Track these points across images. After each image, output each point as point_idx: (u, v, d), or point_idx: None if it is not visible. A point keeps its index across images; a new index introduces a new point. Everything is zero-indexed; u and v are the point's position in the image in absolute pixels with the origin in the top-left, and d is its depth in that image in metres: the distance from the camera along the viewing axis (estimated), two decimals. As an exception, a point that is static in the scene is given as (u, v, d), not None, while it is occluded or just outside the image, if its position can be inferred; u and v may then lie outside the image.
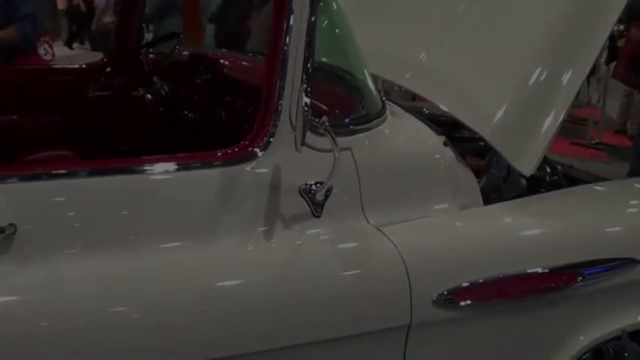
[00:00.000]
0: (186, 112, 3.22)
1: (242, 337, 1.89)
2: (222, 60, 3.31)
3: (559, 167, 2.92)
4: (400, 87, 2.88)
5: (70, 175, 1.83)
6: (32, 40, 4.68)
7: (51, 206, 1.81)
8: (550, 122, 2.42)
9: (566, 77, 2.49)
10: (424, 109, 2.86)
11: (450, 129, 2.50)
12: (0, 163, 1.90)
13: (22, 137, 2.59)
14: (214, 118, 2.95)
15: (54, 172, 1.82)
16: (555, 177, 2.85)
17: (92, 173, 1.85)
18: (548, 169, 2.86)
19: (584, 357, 2.43)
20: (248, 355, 1.90)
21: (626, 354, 2.49)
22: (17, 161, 2.05)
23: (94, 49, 12.26)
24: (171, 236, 1.89)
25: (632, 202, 2.68)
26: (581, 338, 2.38)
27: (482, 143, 2.55)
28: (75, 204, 1.82)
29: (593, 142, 8.83)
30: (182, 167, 1.95)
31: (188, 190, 1.94)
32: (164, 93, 3.34)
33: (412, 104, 2.92)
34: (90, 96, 3.40)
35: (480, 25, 2.73)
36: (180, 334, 1.83)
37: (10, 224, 1.72)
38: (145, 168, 1.92)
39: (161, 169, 1.93)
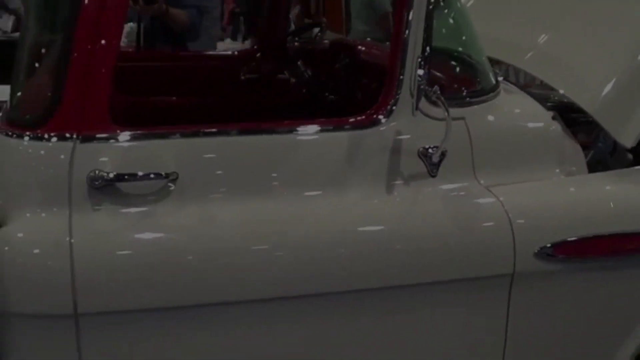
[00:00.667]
0: (326, 93, 3.59)
1: (363, 275, 2.24)
2: (358, 47, 3.67)
3: None
4: (541, 81, 3.16)
5: (223, 133, 2.23)
6: (197, 30, 4.93)
7: (207, 159, 2.21)
8: None
9: None
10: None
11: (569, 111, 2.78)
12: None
13: (179, 115, 2.98)
14: (351, 98, 3.29)
15: (208, 130, 2.23)
16: None
17: (242, 132, 2.25)
18: None
19: None
20: (366, 291, 2.26)
21: None
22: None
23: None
24: (308, 187, 2.25)
25: None
26: None
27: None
28: (227, 158, 2.22)
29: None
30: (321, 129, 2.32)
31: (324, 148, 2.30)
32: (306, 76, 3.71)
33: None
34: (242, 79, 3.81)
35: (589, 9, 2.98)
36: (315, 269, 2.20)
37: (174, 172, 2.13)
38: (290, 129, 2.30)
39: (302, 131, 2.30)
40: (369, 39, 5.18)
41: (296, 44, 3.98)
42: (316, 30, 3.92)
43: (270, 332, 2.22)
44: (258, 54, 3.90)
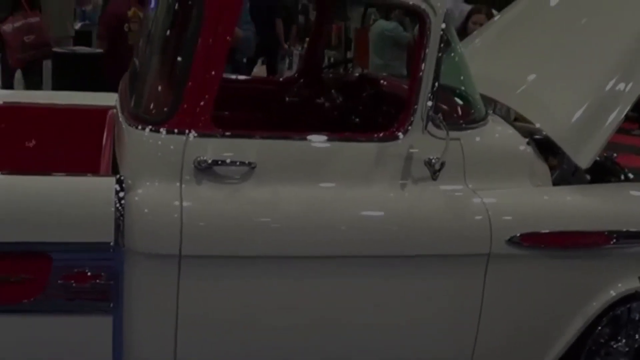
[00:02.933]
0: (354, 117, 4.43)
1: (376, 243, 3.10)
2: (381, 81, 4.52)
3: (626, 177, 4.00)
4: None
5: (289, 137, 3.11)
6: (251, 47, 5.52)
7: (277, 154, 3.07)
8: (607, 126, 3.46)
9: (627, 87, 3.51)
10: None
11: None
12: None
13: (244, 126, 3.67)
14: (372, 121, 4.09)
15: (278, 134, 3.10)
16: (612, 180, 3.92)
17: (302, 139, 3.13)
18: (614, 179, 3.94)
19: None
20: (372, 258, 3.11)
21: None
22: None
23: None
24: (345, 180, 3.11)
25: None
26: (612, 292, 3.41)
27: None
28: (291, 155, 3.09)
29: None
30: (355, 140, 3.20)
31: (357, 154, 3.17)
32: (338, 102, 4.52)
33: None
34: (285, 101, 4.67)
35: (563, 54, 3.84)
36: (346, 237, 3.07)
37: (253, 162, 3.01)
38: (334, 138, 3.18)
39: (343, 140, 3.19)
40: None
41: (330, 75, 4.87)
42: (348, 65, 4.82)
43: (314, 285, 3.08)
44: (300, 81, 4.75)
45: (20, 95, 4.81)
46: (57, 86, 7.78)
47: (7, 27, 7.69)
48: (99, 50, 7.41)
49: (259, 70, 11.50)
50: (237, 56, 5.68)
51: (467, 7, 8.30)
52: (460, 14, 8.30)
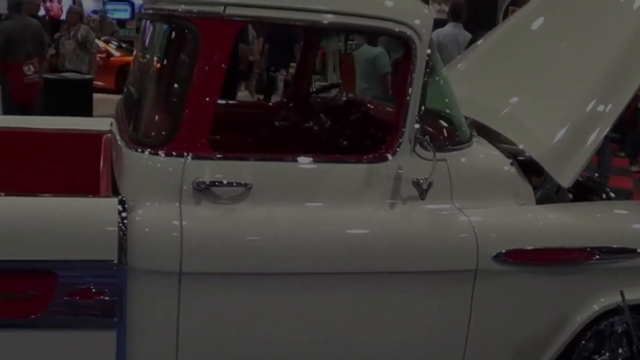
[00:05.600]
0: (342, 139, 4.54)
1: (366, 260, 3.21)
2: (368, 105, 4.64)
3: (607, 195, 4.15)
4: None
5: (282, 159, 3.24)
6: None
7: (272, 175, 3.19)
8: (587, 146, 3.60)
9: (607, 108, 3.67)
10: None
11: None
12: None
13: (236, 148, 3.79)
14: (362, 145, 4.21)
15: (272, 156, 3.22)
16: (594, 198, 4.07)
17: (294, 160, 3.25)
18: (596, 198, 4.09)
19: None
20: (361, 274, 3.22)
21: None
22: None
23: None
24: (336, 200, 3.23)
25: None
26: (595, 307, 3.52)
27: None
28: (284, 176, 3.21)
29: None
30: (346, 161, 3.32)
31: (348, 174, 3.29)
32: (327, 126, 4.62)
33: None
34: (275, 125, 4.78)
35: (544, 76, 4.00)
36: (337, 254, 3.18)
37: (249, 182, 3.12)
38: (325, 160, 3.31)
39: (333, 162, 3.32)
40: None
41: (318, 99, 5.00)
42: (335, 89, 4.96)
43: (306, 301, 3.20)
44: (289, 105, 4.88)
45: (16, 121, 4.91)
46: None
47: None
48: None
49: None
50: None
51: (469, 35, 8.56)
52: (463, 40, 8.55)
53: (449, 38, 8.67)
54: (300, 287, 3.18)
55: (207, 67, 3.08)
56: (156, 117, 3.39)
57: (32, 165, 4.30)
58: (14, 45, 9.02)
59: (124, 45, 18.09)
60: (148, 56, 3.79)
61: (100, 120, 4.41)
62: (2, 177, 4.04)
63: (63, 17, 18.68)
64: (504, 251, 3.34)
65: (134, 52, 4.89)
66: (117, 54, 17.43)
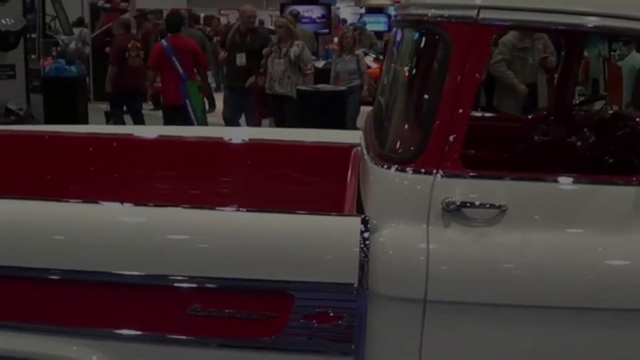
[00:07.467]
0: (607, 157, 4.17)
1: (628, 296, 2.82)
2: (637, 119, 4.23)
3: None
4: None
5: (543, 180, 2.92)
6: None
7: (530, 197, 2.89)
8: None
9: None
10: None
11: None
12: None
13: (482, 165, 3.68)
14: (631, 164, 3.81)
15: (532, 176, 2.93)
16: None
17: (554, 181, 2.93)
18: None
19: None
20: (622, 311, 2.82)
21: None
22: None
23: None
24: (600, 228, 2.86)
25: None
26: None
27: None
28: (546, 198, 2.90)
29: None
30: (613, 182, 2.96)
31: (613, 198, 2.92)
32: (591, 141, 4.28)
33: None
34: (534, 140, 4.48)
35: None
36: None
37: (504, 204, 2.84)
38: (591, 181, 2.97)
39: (598, 182, 2.97)
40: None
41: (582, 113, 4.61)
42: (601, 102, 4.54)
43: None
44: (550, 119, 4.55)
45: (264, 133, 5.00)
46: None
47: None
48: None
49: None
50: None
51: None
52: None
53: None
54: (552, 321, 2.86)
55: (459, 76, 2.85)
56: (404, 131, 3.20)
57: (283, 177, 4.37)
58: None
59: (381, 57, 18.31)
60: (396, 66, 3.62)
61: (354, 133, 4.36)
62: (250, 187, 4.06)
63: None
64: None
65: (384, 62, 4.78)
66: (374, 65, 17.64)
